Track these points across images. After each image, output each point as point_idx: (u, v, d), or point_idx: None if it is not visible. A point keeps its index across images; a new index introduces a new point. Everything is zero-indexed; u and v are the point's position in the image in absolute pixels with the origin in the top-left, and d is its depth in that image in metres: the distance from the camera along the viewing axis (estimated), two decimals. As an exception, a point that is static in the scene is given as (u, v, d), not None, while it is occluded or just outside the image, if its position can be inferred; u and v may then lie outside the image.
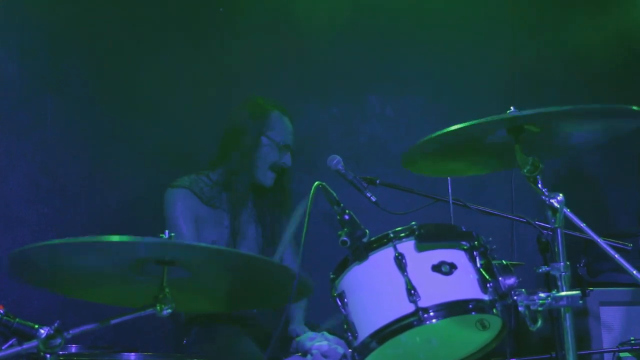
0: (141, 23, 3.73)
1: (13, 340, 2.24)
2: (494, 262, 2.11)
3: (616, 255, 2.10)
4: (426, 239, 2.09)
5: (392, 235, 2.11)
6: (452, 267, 2.07)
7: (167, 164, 3.61)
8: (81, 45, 3.62)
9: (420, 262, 2.08)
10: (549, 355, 2.70)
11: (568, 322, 2.06)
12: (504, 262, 2.14)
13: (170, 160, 3.64)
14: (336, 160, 2.81)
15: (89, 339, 3.19)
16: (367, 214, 2.84)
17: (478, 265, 2.11)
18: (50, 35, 3.59)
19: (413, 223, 2.13)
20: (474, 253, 2.12)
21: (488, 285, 2.08)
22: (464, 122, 4.11)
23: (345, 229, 2.13)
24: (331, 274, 2.20)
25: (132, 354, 2.47)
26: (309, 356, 2.69)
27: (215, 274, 2.15)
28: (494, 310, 2.06)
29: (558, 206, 2.09)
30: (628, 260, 3.16)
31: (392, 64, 4.18)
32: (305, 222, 2.22)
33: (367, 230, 2.15)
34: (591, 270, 3.62)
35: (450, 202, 2.64)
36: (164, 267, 2.01)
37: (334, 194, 2.22)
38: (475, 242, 2.13)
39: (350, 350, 2.10)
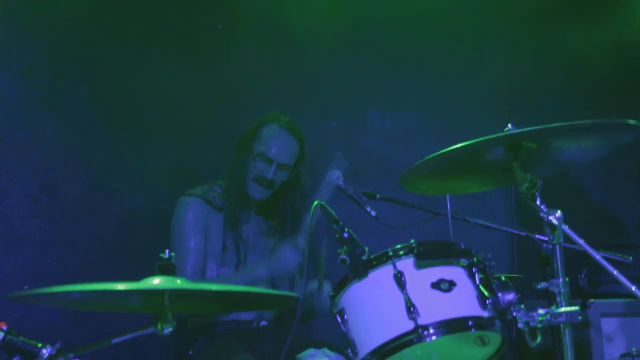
0: (140, 41, 3.74)
1: (16, 358, 2.25)
2: (492, 278, 2.12)
3: (615, 272, 2.11)
4: (425, 257, 2.11)
5: (391, 253, 2.13)
6: (451, 284, 2.09)
7: (166, 181, 3.62)
8: (80, 64, 3.64)
9: (420, 279, 2.10)
10: (549, 368, 2.70)
11: (567, 338, 2.08)
12: (503, 277, 2.15)
13: (169, 177, 3.65)
14: (336, 175, 2.82)
15: (90, 355, 3.19)
16: (367, 228, 2.87)
17: (477, 281, 2.12)
18: (49, 55, 3.60)
19: (412, 241, 2.14)
20: (473, 270, 2.13)
21: (487, 301, 2.09)
22: (463, 135, 4.11)
23: (345, 247, 2.14)
24: (331, 291, 2.21)
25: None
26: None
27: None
28: (494, 327, 2.08)
29: (556, 223, 2.10)
30: (629, 271, 3.18)
31: (391, 79, 4.19)
32: (307, 239, 2.24)
33: (366, 248, 2.16)
34: (592, 281, 3.62)
35: (450, 216, 2.64)
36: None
37: (333, 213, 2.24)
38: (474, 259, 2.15)
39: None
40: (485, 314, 2.08)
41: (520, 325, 2.05)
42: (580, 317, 2.07)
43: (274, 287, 3.10)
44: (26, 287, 3.39)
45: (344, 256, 2.14)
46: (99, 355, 3.10)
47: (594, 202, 4.47)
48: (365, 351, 2.07)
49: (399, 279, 2.08)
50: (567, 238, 2.20)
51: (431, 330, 2.02)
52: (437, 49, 4.28)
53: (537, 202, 2.18)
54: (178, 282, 1.99)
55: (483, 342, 2.16)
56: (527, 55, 4.45)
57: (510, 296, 2.09)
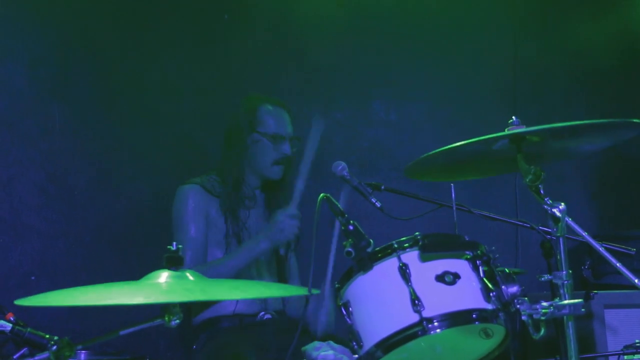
0: (146, 33, 3.75)
1: (25, 349, 2.28)
2: (497, 270, 2.14)
3: (617, 264, 2.12)
4: (430, 250, 2.12)
5: (396, 245, 2.13)
6: (456, 276, 2.10)
7: (173, 172, 3.63)
8: (87, 55, 3.65)
9: (424, 272, 2.11)
10: (553, 359, 2.72)
11: (571, 330, 2.09)
12: (506, 270, 2.17)
13: (177, 168, 3.66)
14: (341, 167, 2.82)
15: (97, 345, 3.22)
16: (372, 219, 2.88)
17: (481, 274, 2.13)
18: (57, 46, 3.61)
19: (417, 233, 2.15)
20: (477, 262, 2.14)
21: (491, 294, 2.10)
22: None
23: (350, 240, 2.15)
24: (336, 283, 2.22)
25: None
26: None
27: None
28: (497, 320, 2.09)
29: (560, 215, 2.11)
30: (633, 263, 3.19)
31: (396, 70, 4.20)
32: (314, 232, 2.25)
33: (371, 241, 2.17)
34: (596, 272, 3.63)
35: (454, 207, 2.65)
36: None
37: (339, 205, 2.24)
38: (479, 252, 2.16)
39: (355, 358, 2.13)
40: (489, 306, 2.09)
41: (523, 317, 2.07)
42: (583, 310, 2.08)
43: (276, 255, 3.14)
44: (33, 278, 3.42)
45: (349, 249, 2.15)
46: (105, 346, 3.14)
47: (598, 192, 4.48)
48: (370, 343, 2.09)
49: (404, 272, 2.09)
50: (570, 230, 2.21)
51: (436, 323, 2.04)
52: (442, 40, 4.28)
53: (541, 194, 2.19)
54: (188, 276, 2.01)
55: (487, 335, 2.18)
56: (532, 46, 4.45)
57: (514, 289, 2.10)
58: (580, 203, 4.40)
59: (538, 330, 2.07)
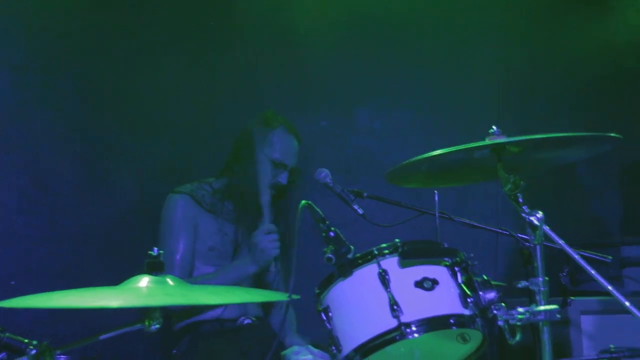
0: (134, 37, 3.75)
1: (3, 354, 2.27)
2: (474, 277, 2.17)
3: (592, 271, 2.16)
4: (409, 256, 2.14)
5: (376, 252, 2.16)
6: (434, 282, 2.13)
7: (159, 177, 3.64)
8: (72, 60, 3.64)
9: (403, 278, 2.13)
10: (530, 364, 2.75)
11: (546, 335, 2.14)
12: (484, 277, 2.20)
13: (163, 173, 3.66)
14: (324, 174, 2.86)
15: (77, 349, 3.21)
16: (354, 226, 2.90)
17: (459, 280, 2.16)
18: (41, 51, 3.61)
19: (397, 240, 2.18)
20: (456, 269, 2.17)
21: (469, 300, 2.13)
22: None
23: (331, 246, 2.18)
24: (316, 288, 2.24)
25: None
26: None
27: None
28: (474, 325, 2.12)
29: (538, 223, 2.15)
30: (609, 270, 3.23)
31: (381, 78, 4.22)
32: (294, 239, 2.28)
33: (351, 247, 2.20)
34: (574, 279, 3.66)
35: (437, 214, 2.68)
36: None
37: (320, 212, 2.27)
38: (457, 258, 2.19)
39: (334, 363, 2.15)
40: (466, 312, 2.12)
41: (500, 323, 2.10)
42: (558, 316, 2.13)
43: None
44: (13, 283, 3.41)
45: (329, 255, 2.18)
46: (85, 351, 3.14)
47: (577, 201, 4.52)
48: (349, 348, 2.11)
49: (383, 278, 2.12)
50: (548, 237, 2.25)
51: (414, 328, 2.06)
52: (427, 49, 4.31)
53: (520, 203, 2.23)
54: (168, 281, 2.02)
55: (464, 340, 2.21)
56: (517, 56, 4.48)
57: (491, 295, 2.14)
58: (560, 211, 4.44)
59: (514, 335, 2.11)
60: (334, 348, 2.15)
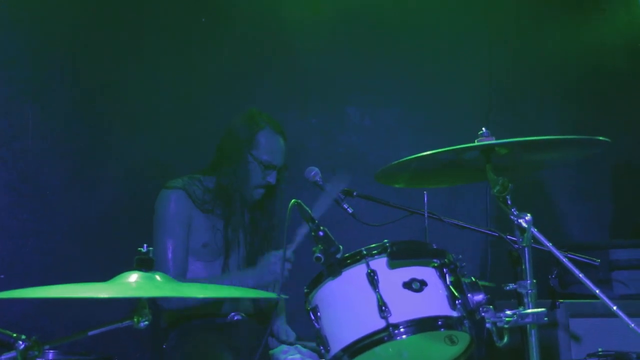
0: (123, 33, 3.75)
1: (-9, 348, 2.27)
2: (463, 279, 2.18)
3: (580, 274, 2.17)
4: (398, 257, 2.15)
5: (365, 252, 2.16)
6: (423, 284, 2.13)
7: (147, 173, 3.64)
8: (62, 55, 3.64)
9: (392, 278, 2.14)
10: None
11: (533, 338, 2.15)
12: (473, 279, 2.21)
13: (150, 169, 3.66)
14: (314, 172, 2.86)
15: (65, 345, 3.21)
16: (343, 225, 2.91)
17: (448, 282, 2.16)
18: (31, 46, 3.60)
19: (386, 241, 2.18)
20: (444, 270, 2.18)
21: (457, 302, 2.14)
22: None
23: (320, 246, 2.18)
24: (305, 288, 2.25)
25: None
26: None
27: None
28: (462, 327, 2.13)
29: (526, 226, 2.16)
30: (598, 273, 3.24)
31: (371, 76, 4.23)
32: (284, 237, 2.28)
33: (340, 247, 2.20)
34: (563, 281, 3.69)
35: (426, 215, 2.69)
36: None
37: (309, 211, 2.27)
38: (446, 260, 2.19)
39: (322, 363, 2.16)
40: (454, 314, 2.13)
41: (488, 325, 2.11)
42: (546, 319, 2.14)
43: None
44: (2, 277, 3.41)
45: (318, 254, 2.17)
46: (74, 346, 3.13)
47: (565, 203, 4.54)
48: (337, 348, 2.11)
49: (372, 278, 2.12)
50: (536, 239, 2.26)
51: (402, 329, 2.07)
52: (418, 48, 4.32)
53: (508, 205, 2.24)
54: (157, 278, 2.02)
55: (452, 341, 2.21)
56: (507, 56, 4.51)
57: (479, 297, 2.15)
58: (549, 213, 4.46)
59: (502, 338, 2.12)
60: (322, 348, 2.16)
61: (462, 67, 4.37)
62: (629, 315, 2.18)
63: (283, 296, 2.19)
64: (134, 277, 2.02)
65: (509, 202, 2.23)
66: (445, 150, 2.28)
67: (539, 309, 2.11)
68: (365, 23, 4.26)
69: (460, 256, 2.22)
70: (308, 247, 2.92)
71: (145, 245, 2.08)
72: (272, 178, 3.17)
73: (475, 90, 4.40)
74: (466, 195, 4.21)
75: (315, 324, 2.19)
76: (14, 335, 2.00)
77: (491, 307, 2.13)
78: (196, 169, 3.33)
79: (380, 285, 2.11)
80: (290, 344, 2.94)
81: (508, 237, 2.56)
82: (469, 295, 2.14)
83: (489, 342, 2.20)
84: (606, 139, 2.28)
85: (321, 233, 2.21)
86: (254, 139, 3.17)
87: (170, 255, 3.06)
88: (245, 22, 4.02)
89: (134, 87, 3.69)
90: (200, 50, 3.91)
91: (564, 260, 2.19)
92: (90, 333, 2.08)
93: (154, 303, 2.86)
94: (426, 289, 2.13)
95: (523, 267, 2.17)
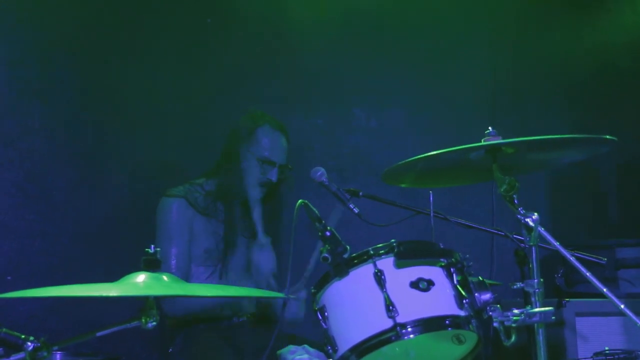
0: (129, 35, 3.75)
1: (0, 350, 2.27)
2: (470, 278, 2.18)
3: (587, 273, 2.17)
4: (405, 256, 2.15)
5: (372, 252, 2.16)
6: (430, 283, 2.13)
7: (152, 174, 3.65)
8: (68, 56, 3.65)
9: (399, 278, 2.14)
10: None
11: (541, 337, 2.14)
12: (480, 278, 2.21)
13: (155, 171, 3.67)
14: (320, 172, 2.85)
15: (73, 346, 3.22)
16: (349, 225, 2.91)
17: (455, 281, 2.17)
18: (38, 46, 3.61)
19: (392, 240, 2.18)
20: (451, 270, 2.18)
21: (464, 301, 2.14)
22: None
23: (327, 246, 2.18)
24: (312, 288, 2.25)
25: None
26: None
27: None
28: (470, 326, 2.13)
29: (533, 225, 2.16)
30: (604, 272, 3.23)
31: (377, 77, 4.23)
32: (291, 238, 2.29)
33: (347, 247, 2.20)
34: (569, 280, 3.69)
35: (432, 214, 2.69)
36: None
37: (316, 211, 2.27)
38: (453, 259, 2.19)
39: (330, 363, 2.16)
40: (462, 313, 2.13)
41: (495, 324, 2.11)
42: (553, 318, 2.13)
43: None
44: (9, 278, 3.41)
45: (325, 254, 2.18)
46: (81, 347, 3.14)
47: (571, 202, 4.54)
48: (345, 348, 2.11)
49: (379, 278, 2.12)
50: (543, 238, 2.25)
51: (409, 329, 2.07)
52: (422, 49, 4.33)
53: (515, 204, 2.23)
54: (164, 279, 2.02)
55: (459, 341, 2.21)
56: (511, 56, 4.51)
57: (486, 296, 2.15)
58: (555, 212, 4.46)
59: (509, 337, 2.12)
60: (329, 348, 2.16)
61: (467, 68, 4.37)
62: (636, 313, 2.18)
63: (291, 296, 2.19)
64: (141, 277, 2.03)
65: (515, 201, 2.23)
66: (452, 150, 2.28)
67: (547, 308, 2.10)
68: (371, 24, 4.26)
69: (468, 255, 2.22)
70: (315, 246, 2.94)
71: (152, 246, 2.08)
72: (272, 175, 3.16)
73: (480, 91, 4.40)
74: (471, 195, 4.21)
75: (323, 324, 2.19)
76: (22, 336, 2.00)
77: (498, 306, 2.13)
78: (201, 170, 3.34)
79: (388, 285, 2.11)
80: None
81: (514, 236, 2.57)
82: (476, 294, 2.14)
83: (496, 341, 2.20)
84: (613, 138, 2.28)
85: (328, 233, 2.21)
86: (253, 135, 3.18)
87: (173, 262, 3.06)
88: (251, 22, 4.02)
89: (140, 89, 3.70)
90: (205, 51, 3.92)
91: (571, 259, 2.19)
92: (99, 334, 2.09)
93: (160, 306, 2.87)
94: (433, 289, 2.13)
95: (530, 266, 2.17)
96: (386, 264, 2.16)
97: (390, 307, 2.08)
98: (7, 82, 3.53)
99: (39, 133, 3.55)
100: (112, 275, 2.10)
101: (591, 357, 3.02)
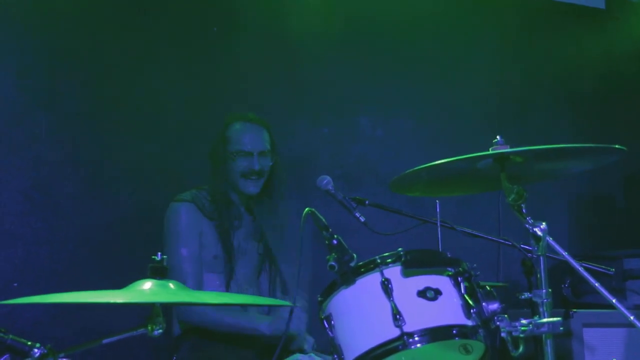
0: (134, 43, 3.76)
1: (6, 356, 2.27)
2: (478, 287, 2.17)
3: (596, 283, 2.15)
4: (412, 265, 2.14)
5: (379, 260, 2.16)
6: (437, 292, 2.13)
7: (159, 182, 3.65)
8: (75, 64, 3.65)
9: (406, 287, 2.13)
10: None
11: (549, 348, 2.13)
12: (487, 287, 2.20)
13: (162, 179, 3.67)
14: (326, 181, 2.85)
15: (78, 353, 3.21)
16: (356, 234, 2.91)
17: (462, 291, 2.16)
18: (45, 55, 3.62)
19: (400, 249, 2.17)
20: (459, 279, 2.17)
21: (472, 310, 2.13)
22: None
23: (334, 254, 2.18)
24: (319, 296, 2.25)
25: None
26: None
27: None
28: (477, 336, 2.12)
29: (541, 234, 2.15)
30: (612, 282, 3.22)
31: (383, 87, 4.24)
32: (299, 246, 2.28)
33: (354, 255, 2.19)
34: (576, 290, 3.68)
35: (439, 223, 2.68)
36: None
37: (323, 220, 2.27)
38: (460, 268, 2.19)
39: (337, 371, 2.15)
40: (469, 322, 2.12)
41: (503, 334, 2.10)
42: (562, 328, 2.12)
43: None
44: (15, 285, 3.41)
45: (332, 262, 2.17)
46: (87, 354, 3.13)
47: (579, 212, 4.53)
48: (351, 357, 2.11)
49: (386, 287, 2.12)
50: (551, 248, 2.24)
51: (416, 338, 2.06)
52: (428, 58, 4.34)
53: (523, 214, 2.22)
54: (170, 286, 2.02)
55: (467, 351, 2.20)
56: (518, 65, 4.51)
57: (494, 306, 2.14)
58: (563, 223, 4.45)
59: (517, 347, 2.10)
60: (336, 356, 2.15)
61: (473, 79, 4.38)
62: (644, 324, 2.16)
63: (298, 305, 2.18)
64: (148, 284, 2.02)
65: (523, 210, 2.22)
66: (461, 159, 2.27)
67: (555, 318, 2.09)
68: (377, 34, 4.27)
69: (475, 265, 2.21)
70: (322, 255, 2.93)
71: (159, 253, 2.08)
72: (252, 164, 3.14)
73: (486, 100, 4.41)
74: (478, 205, 4.20)
75: (329, 333, 2.19)
76: (29, 343, 2.00)
77: (506, 316, 2.12)
78: (206, 179, 3.34)
79: (395, 293, 2.11)
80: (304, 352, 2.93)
81: (522, 246, 2.56)
82: (483, 304, 2.13)
83: (503, 351, 2.19)
84: (623, 148, 2.27)
85: (335, 241, 2.20)
86: (225, 135, 3.20)
87: (186, 266, 3.04)
88: (257, 32, 4.03)
89: (146, 98, 3.70)
90: (211, 61, 3.93)
91: (579, 269, 2.18)
92: (105, 341, 2.09)
93: (167, 312, 2.86)
94: (441, 298, 2.12)
95: (538, 276, 2.15)
96: (393, 272, 2.15)
97: (397, 316, 2.07)
98: (15, 91, 3.53)
99: (45, 141, 3.55)
100: (118, 282, 2.10)
101: (599, 369, 3.01)
